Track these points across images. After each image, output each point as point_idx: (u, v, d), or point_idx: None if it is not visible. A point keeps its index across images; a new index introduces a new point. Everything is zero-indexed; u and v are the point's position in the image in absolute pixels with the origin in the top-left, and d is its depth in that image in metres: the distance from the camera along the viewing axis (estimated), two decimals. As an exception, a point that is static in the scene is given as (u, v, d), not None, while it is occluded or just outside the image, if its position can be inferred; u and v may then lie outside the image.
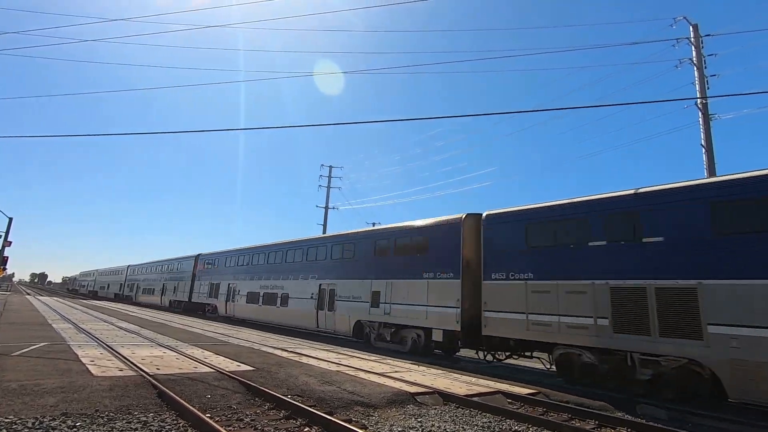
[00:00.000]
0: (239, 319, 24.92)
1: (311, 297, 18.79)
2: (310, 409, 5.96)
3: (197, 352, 10.70)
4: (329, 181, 35.74)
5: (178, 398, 5.96)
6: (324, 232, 33.17)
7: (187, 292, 32.06)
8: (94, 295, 60.01)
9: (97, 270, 66.22)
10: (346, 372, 9.17)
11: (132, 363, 8.51)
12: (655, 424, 6.54)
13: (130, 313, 25.74)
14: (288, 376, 8.29)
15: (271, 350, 12.13)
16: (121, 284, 50.19)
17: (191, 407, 5.61)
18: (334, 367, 9.69)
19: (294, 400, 6.38)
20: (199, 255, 31.97)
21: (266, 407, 6.25)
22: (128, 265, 49.46)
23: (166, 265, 38.61)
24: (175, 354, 10.23)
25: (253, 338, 15.31)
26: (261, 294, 22.89)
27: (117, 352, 9.89)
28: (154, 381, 6.92)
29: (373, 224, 34.01)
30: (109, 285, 55.89)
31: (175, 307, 33.93)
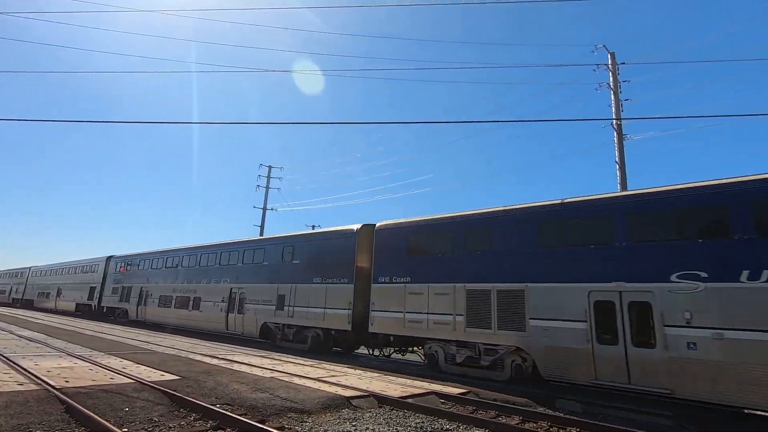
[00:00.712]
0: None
1: None
2: (240, 417, 5.72)
3: (115, 362, 9.83)
4: (268, 182, 34.76)
5: (88, 412, 5.43)
6: (261, 234, 32.11)
7: (346, 309, 14.11)
8: (27, 305, 41.91)
9: (30, 268, 44.80)
10: (281, 378, 8.92)
11: (35, 376, 7.61)
12: (571, 417, 7.12)
13: (34, 321, 23.05)
14: (217, 385, 7.89)
15: (199, 357, 11.48)
16: (92, 288, 31.07)
17: (105, 421, 5.15)
18: (268, 374, 9.38)
19: (223, 410, 6.08)
20: (375, 228, 14.38)
21: (192, 418, 5.90)
22: (110, 256, 30.66)
23: (235, 252, 19.82)
24: (88, 365, 9.32)
25: (181, 345, 14.38)
26: None
27: (16, 364, 8.80)
28: (60, 395, 6.25)
29: (313, 226, 33.48)
30: (60, 290, 36.20)
31: (292, 339, 15.99)
